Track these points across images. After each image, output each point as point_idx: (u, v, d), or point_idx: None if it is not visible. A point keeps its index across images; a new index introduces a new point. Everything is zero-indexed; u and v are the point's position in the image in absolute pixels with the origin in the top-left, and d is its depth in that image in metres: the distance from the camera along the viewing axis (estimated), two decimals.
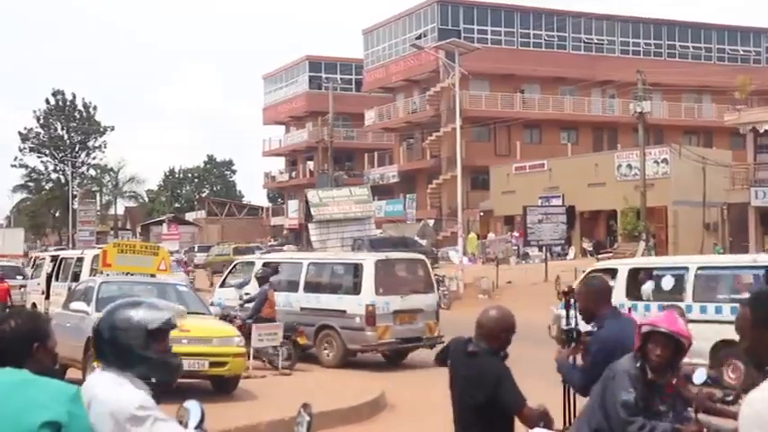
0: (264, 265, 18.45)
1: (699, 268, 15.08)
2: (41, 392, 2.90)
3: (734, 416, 5.67)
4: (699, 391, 5.76)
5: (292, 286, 17.84)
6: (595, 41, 58.59)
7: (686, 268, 15.09)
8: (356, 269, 17.23)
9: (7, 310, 16.59)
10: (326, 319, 16.64)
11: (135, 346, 3.26)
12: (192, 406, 3.37)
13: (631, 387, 4.77)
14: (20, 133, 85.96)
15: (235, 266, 20.84)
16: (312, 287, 17.61)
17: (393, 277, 17.65)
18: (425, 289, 17.72)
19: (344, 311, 16.64)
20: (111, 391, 3.17)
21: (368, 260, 17.38)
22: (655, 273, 16.02)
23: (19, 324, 3.09)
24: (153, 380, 3.28)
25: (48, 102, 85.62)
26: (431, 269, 18.81)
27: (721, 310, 14.06)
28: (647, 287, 16.06)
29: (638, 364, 4.91)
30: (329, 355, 16.72)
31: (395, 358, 17.46)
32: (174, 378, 3.42)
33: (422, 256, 19.89)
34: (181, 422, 3.34)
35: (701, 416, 5.33)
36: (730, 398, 5.80)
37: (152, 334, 3.29)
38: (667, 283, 14.95)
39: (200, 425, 3.33)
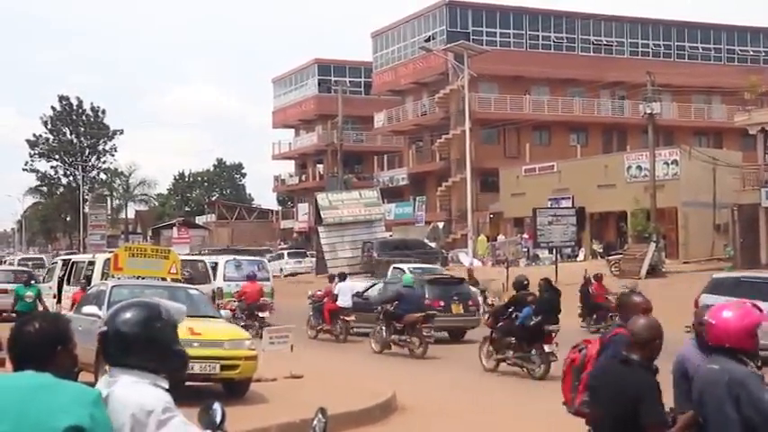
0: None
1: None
2: (64, 396, 2.93)
3: None
4: None
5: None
6: (604, 43, 58.48)
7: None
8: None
9: None
10: None
11: (170, 342, 3.30)
12: (215, 406, 3.42)
13: (766, 386, 4.69)
14: (28, 141, 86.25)
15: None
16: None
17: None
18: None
19: None
20: (132, 391, 3.17)
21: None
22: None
23: (43, 326, 3.10)
24: (176, 374, 3.33)
25: (54, 109, 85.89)
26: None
27: None
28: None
29: (757, 364, 4.85)
30: None
31: None
32: (183, 375, 3.46)
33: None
34: (208, 420, 3.39)
35: None
36: None
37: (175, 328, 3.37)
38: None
39: (221, 425, 3.36)
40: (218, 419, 3.37)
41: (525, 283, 17.03)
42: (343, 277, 24.03)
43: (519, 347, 16.03)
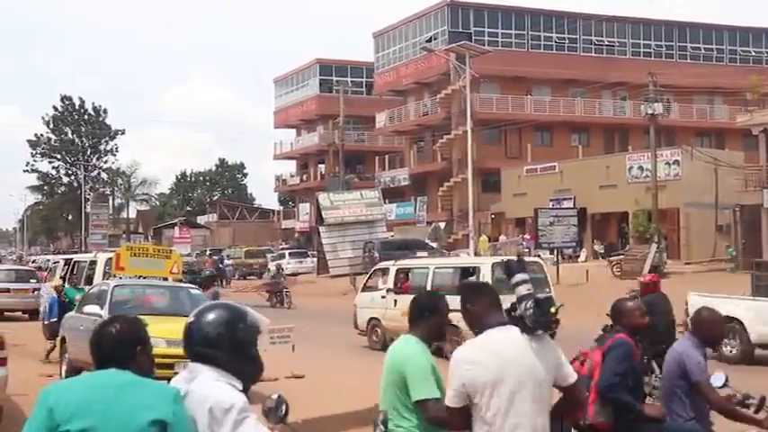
0: None
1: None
2: (147, 393, 3.15)
3: (754, 421, 5.62)
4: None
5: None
6: (606, 43, 58.46)
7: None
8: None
9: None
10: None
11: (252, 345, 3.44)
12: (279, 401, 3.59)
13: None
14: (29, 141, 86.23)
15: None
16: None
17: None
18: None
19: None
20: (212, 387, 3.29)
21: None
22: None
23: (124, 328, 3.31)
24: (248, 379, 3.44)
25: (56, 108, 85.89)
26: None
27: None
28: None
29: None
30: None
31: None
32: (257, 379, 3.58)
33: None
34: (269, 410, 3.58)
35: None
36: (750, 401, 5.72)
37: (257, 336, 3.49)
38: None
39: (284, 417, 3.58)
40: (281, 413, 3.55)
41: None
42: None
43: None
